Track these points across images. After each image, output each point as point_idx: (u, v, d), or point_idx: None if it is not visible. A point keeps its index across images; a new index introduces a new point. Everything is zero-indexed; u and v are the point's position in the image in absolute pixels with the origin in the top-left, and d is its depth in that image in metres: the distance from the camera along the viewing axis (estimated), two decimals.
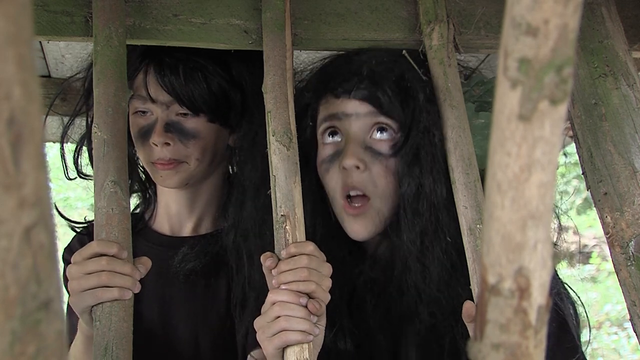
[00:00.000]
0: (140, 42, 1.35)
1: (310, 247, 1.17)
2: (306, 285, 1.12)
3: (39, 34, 1.29)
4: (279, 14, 1.34)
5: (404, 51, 1.35)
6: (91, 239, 1.48)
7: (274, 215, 1.21)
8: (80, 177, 1.57)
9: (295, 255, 1.16)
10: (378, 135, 1.29)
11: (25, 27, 0.38)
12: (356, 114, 1.28)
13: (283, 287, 1.13)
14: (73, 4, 1.32)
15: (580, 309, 1.39)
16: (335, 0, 1.41)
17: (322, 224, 1.35)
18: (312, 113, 1.35)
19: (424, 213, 1.26)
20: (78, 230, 1.56)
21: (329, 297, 1.16)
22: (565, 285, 1.39)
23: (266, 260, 1.17)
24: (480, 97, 1.37)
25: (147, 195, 1.60)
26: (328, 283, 1.16)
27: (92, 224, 1.55)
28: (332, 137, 1.32)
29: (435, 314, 1.28)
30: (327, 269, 1.17)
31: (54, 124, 1.89)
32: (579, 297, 1.41)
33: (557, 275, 1.39)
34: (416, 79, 1.31)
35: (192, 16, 1.35)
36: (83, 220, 1.58)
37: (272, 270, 1.16)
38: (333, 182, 1.31)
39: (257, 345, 1.35)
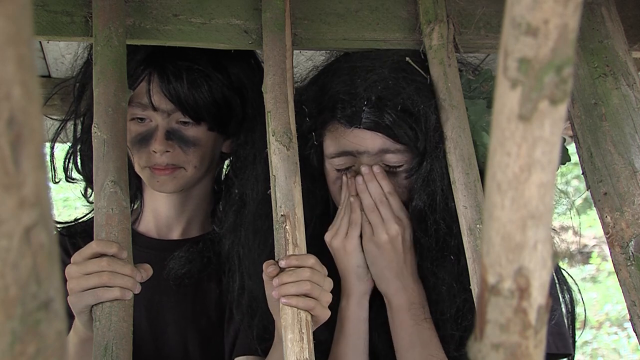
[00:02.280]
0: (140, 42, 1.34)
1: (312, 260, 1.16)
2: (305, 303, 1.12)
3: (39, 34, 1.29)
4: (279, 14, 1.34)
5: (407, 58, 1.34)
6: (72, 240, 1.47)
7: (274, 215, 1.21)
8: (68, 181, 1.56)
9: (297, 267, 1.15)
10: (392, 161, 1.30)
11: (25, 27, 0.38)
12: (367, 151, 1.29)
13: (283, 300, 1.13)
14: (73, 4, 1.32)
15: (574, 290, 1.41)
16: (335, 0, 1.41)
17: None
18: (318, 138, 1.34)
19: (433, 231, 1.29)
20: (58, 229, 1.54)
21: (328, 313, 1.16)
22: (562, 272, 1.41)
23: (268, 267, 1.16)
24: (489, 92, 1.37)
25: (134, 198, 1.59)
26: (328, 298, 1.16)
27: (76, 224, 1.55)
28: (343, 167, 1.33)
29: (441, 325, 1.29)
30: (329, 284, 1.17)
31: (49, 123, 1.88)
32: (574, 281, 1.42)
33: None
34: (425, 97, 1.29)
35: (192, 16, 1.35)
36: (69, 220, 1.57)
37: (274, 280, 1.15)
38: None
39: (244, 351, 1.36)
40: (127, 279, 1.14)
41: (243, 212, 1.39)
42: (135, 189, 1.57)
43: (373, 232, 1.29)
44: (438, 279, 1.30)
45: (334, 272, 1.31)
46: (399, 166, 1.31)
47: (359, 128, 1.27)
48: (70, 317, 1.18)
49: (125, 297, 1.13)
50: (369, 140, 1.28)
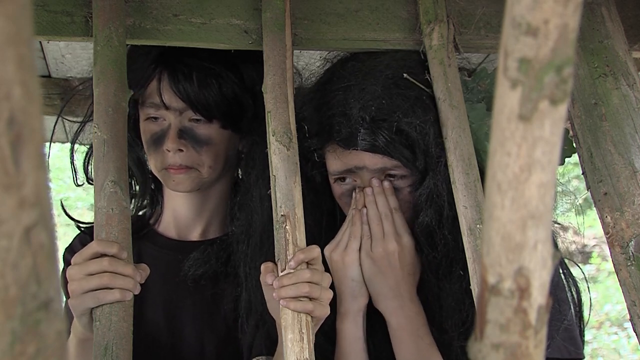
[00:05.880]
0: (140, 42, 1.35)
1: (317, 250, 1.17)
2: (304, 306, 1.12)
3: (39, 34, 1.29)
4: (279, 14, 1.34)
5: (405, 74, 1.32)
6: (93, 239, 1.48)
7: (274, 215, 1.21)
8: (90, 183, 1.56)
9: (303, 262, 1.15)
10: (393, 178, 1.31)
11: (25, 27, 0.38)
12: (367, 168, 1.30)
13: (282, 303, 1.13)
14: (73, 4, 1.31)
15: (582, 289, 1.41)
16: (335, 0, 1.41)
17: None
18: (320, 158, 1.36)
19: (442, 246, 1.29)
20: (83, 229, 1.56)
21: (328, 311, 1.16)
22: (569, 270, 1.42)
23: (267, 277, 1.17)
24: (487, 91, 1.36)
25: (154, 199, 1.60)
26: (329, 295, 1.16)
27: None
28: (345, 181, 1.35)
29: (448, 338, 1.30)
30: (327, 280, 1.17)
31: (52, 123, 1.88)
32: (585, 277, 1.43)
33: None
34: (421, 112, 1.28)
35: (192, 16, 1.35)
36: (91, 221, 1.58)
37: (273, 282, 1.15)
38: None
39: (262, 351, 1.36)
40: (127, 280, 1.14)
41: (254, 212, 1.39)
42: (155, 190, 1.58)
43: (371, 247, 1.30)
44: (445, 293, 1.31)
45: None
46: (402, 177, 1.31)
47: (357, 149, 1.28)
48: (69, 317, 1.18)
49: (125, 299, 1.13)
50: (368, 160, 1.29)
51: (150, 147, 1.45)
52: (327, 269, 1.24)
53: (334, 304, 1.30)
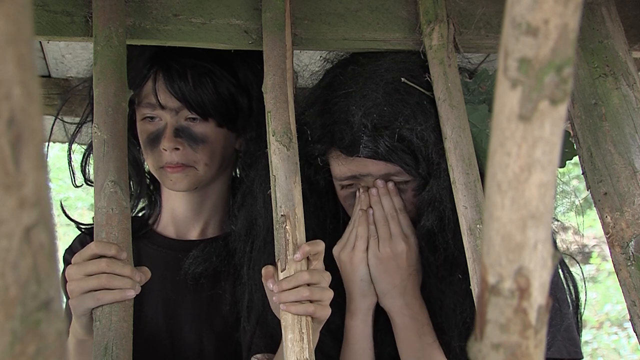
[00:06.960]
0: (140, 42, 1.35)
1: (322, 244, 1.18)
2: (305, 309, 1.13)
3: (39, 34, 1.29)
4: (279, 14, 1.34)
5: (402, 79, 1.32)
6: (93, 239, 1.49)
7: (274, 215, 1.21)
8: (88, 184, 1.57)
9: (309, 254, 1.16)
10: (398, 181, 1.32)
11: (25, 27, 0.38)
12: (371, 174, 1.31)
13: (282, 307, 1.13)
14: (73, 4, 1.32)
15: (581, 289, 1.42)
16: (335, 0, 1.41)
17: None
18: (323, 164, 1.36)
19: (442, 250, 1.30)
20: (83, 229, 1.56)
21: (329, 311, 1.17)
22: (569, 271, 1.42)
23: (267, 282, 1.17)
24: (488, 92, 1.36)
25: (153, 200, 1.60)
26: (330, 295, 1.16)
27: None
28: (350, 185, 1.36)
29: (448, 339, 1.31)
30: (327, 279, 1.17)
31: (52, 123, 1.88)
32: (583, 276, 1.44)
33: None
34: (422, 118, 1.29)
35: (192, 16, 1.35)
36: (91, 222, 1.58)
37: (273, 287, 1.16)
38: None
39: (261, 349, 1.37)
40: (126, 280, 1.14)
41: (253, 210, 1.39)
42: (153, 190, 1.59)
43: (379, 247, 1.31)
44: (445, 296, 1.32)
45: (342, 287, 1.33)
46: (406, 182, 1.32)
47: (360, 157, 1.28)
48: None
49: (125, 298, 1.13)
50: (371, 167, 1.30)
51: (147, 147, 1.46)
52: (332, 269, 1.24)
53: (340, 303, 1.30)
